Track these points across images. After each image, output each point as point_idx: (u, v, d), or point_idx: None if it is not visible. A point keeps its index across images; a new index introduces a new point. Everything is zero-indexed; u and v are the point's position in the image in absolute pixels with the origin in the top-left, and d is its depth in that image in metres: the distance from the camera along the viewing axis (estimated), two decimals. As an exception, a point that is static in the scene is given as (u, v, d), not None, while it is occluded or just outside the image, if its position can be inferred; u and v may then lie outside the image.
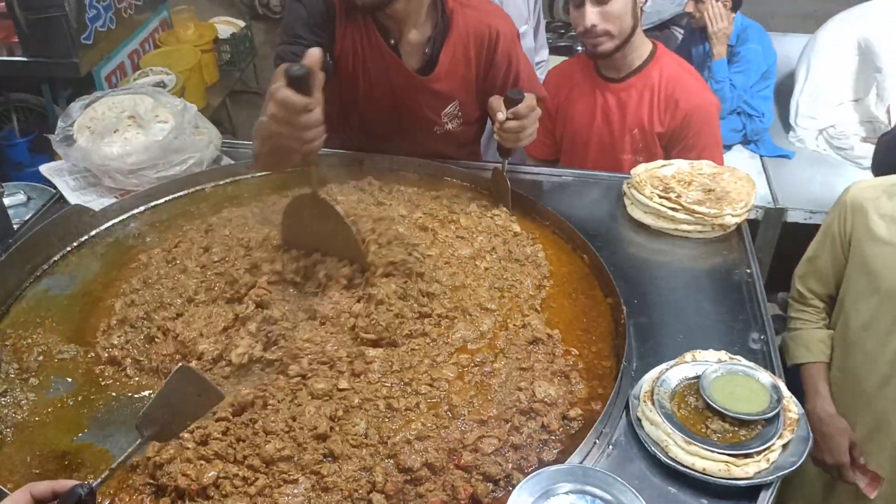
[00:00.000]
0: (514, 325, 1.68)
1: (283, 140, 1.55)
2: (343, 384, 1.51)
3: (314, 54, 1.48)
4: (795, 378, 2.22)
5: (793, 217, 3.83)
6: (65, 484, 1.15)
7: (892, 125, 3.97)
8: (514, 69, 2.25)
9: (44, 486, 1.15)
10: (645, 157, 2.55)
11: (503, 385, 1.53)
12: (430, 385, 1.51)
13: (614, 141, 2.59)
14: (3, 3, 3.93)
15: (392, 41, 2.14)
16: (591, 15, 2.37)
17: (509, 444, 1.42)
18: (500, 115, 1.91)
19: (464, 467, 1.37)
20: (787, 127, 4.37)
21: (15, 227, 2.11)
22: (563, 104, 2.68)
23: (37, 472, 1.38)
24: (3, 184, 2.44)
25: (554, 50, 4.73)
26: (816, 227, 3.75)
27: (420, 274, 1.72)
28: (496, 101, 1.96)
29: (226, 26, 5.58)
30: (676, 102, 2.47)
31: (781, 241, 3.87)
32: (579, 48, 4.86)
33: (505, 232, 1.98)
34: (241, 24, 5.66)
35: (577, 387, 1.56)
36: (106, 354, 1.61)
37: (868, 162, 3.97)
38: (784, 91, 4.46)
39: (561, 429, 1.47)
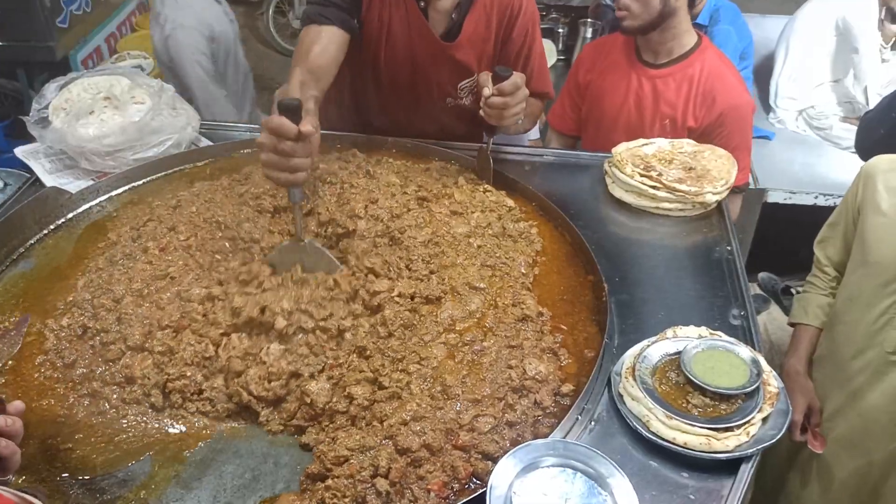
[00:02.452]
0: (504, 303, 1.67)
1: (270, 170, 1.56)
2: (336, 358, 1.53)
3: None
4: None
5: (773, 198, 3.85)
6: None
7: (870, 105, 4.01)
8: (527, 50, 2.26)
9: None
10: (671, 149, 2.55)
11: (494, 364, 1.52)
12: (420, 364, 1.51)
13: (643, 127, 2.54)
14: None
15: (422, 3, 2.13)
16: None
17: (504, 422, 1.42)
18: (486, 91, 1.90)
19: (462, 447, 1.37)
20: (768, 108, 4.39)
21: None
22: (597, 80, 2.65)
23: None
24: None
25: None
26: (796, 207, 3.83)
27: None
28: (484, 77, 1.95)
29: (204, 9, 5.50)
30: (714, 99, 2.44)
31: (762, 222, 3.90)
32: (560, 30, 4.85)
33: (500, 207, 1.97)
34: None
35: (566, 362, 1.56)
36: (51, 336, 1.60)
37: (847, 142, 4.02)
38: (764, 73, 4.48)
39: (554, 404, 1.47)
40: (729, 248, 1.92)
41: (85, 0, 4.55)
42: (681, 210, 2.00)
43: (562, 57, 4.76)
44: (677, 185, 1.97)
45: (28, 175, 2.29)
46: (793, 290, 4.01)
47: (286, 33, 6.50)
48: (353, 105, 2.35)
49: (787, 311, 3.92)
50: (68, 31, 4.35)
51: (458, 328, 1.60)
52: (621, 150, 2.10)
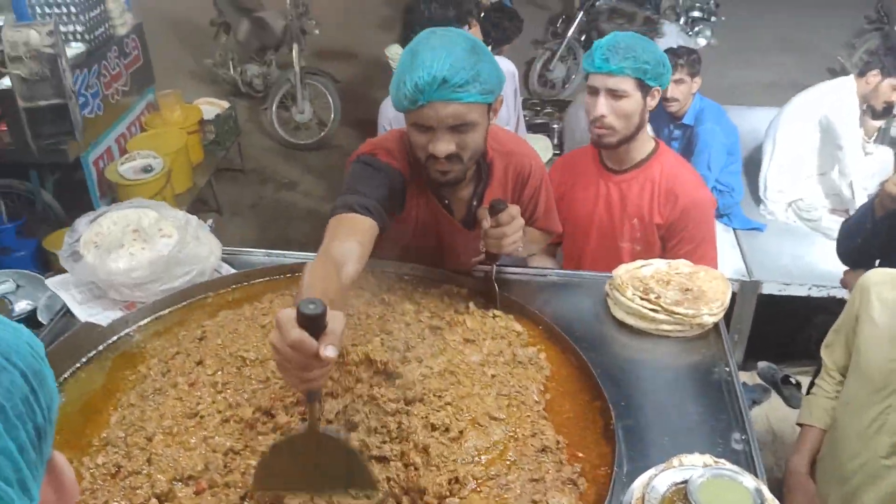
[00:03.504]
0: (523, 434, 1.74)
1: (283, 374, 1.41)
2: None
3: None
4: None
5: (768, 289, 3.98)
6: None
7: (856, 198, 4.16)
8: (536, 199, 2.41)
9: None
10: (643, 245, 2.72)
11: (519, 498, 1.59)
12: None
13: (614, 229, 2.74)
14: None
15: (446, 202, 2.26)
16: (602, 106, 2.52)
17: None
18: (485, 224, 2.03)
19: None
20: (758, 200, 4.55)
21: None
22: (568, 192, 2.83)
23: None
24: None
25: (530, 127, 4.92)
26: (791, 298, 3.94)
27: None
28: (482, 211, 2.08)
29: (210, 107, 5.75)
30: (676, 197, 2.63)
31: (758, 312, 4.01)
32: (555, 125, 5.05)
33: (509, 333, 2.07)
34: (225, 104, 5.82)
35: (584, 489, 1.64)
36: (87, 474, 1.66)
37: (836, 233, 4.16)
38: (753, 164, 4.65)
39: None
40: (727, 368, 2.02)
41: (97, 104, 4.70)
42: (679, 331, 2.11)
43: (556, 152, 4.93)
44: (675, 308, 2.08)
45: (41, 277, 2.42)
46: (791, 380, 4.10)
47: (289, 127, 6.70)
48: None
49: (787, 400, 4.01)
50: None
51: (482, 461, 1.68)
52: (621, 272, 2.22)
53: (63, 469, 0.90)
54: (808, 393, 2.44)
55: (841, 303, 3.86)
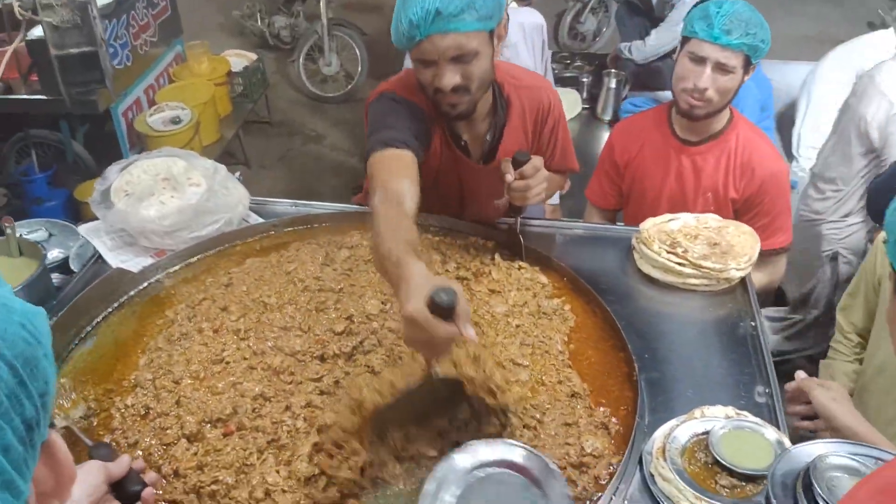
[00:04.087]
0: (550, 380, 1.77)
1: (413, 346, 1.48)
2: None
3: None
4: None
5: (797, 247, 3.91)
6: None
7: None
8: (555, 137, 2.38)
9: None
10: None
11: (553, 439, 1.62)
12: None
13: (686, 202, 2.64)
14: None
15: (463, 142, 2.25)
16: (707, 78, 2.41)
17: None
18: (508, 177, 2.01)
19: None
20: (790, 157, 4.46)
21: (56, 283, 2.23)
22: (635, 160, 2.74)
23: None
24: (27, 221, 2.54)
25: (559, 81, 4.85)
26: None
27: None
28: (505, 164, 2.06)
29: (238, 59, 5.71)
30: (753, 170, 2.54)
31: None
32: (585, 79, 4.97)
33: (534, 284, 2.08)
34: (253, 56, 5.79)
35: (615, 431, 1.67)
36: (117, 415, 1.70)
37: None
38: (786, 121, 4.56)
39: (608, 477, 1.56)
40: (753, 323, 2.02)
41: (126, 55, 4.70)
42: (706, 285, 2.10)
43: (586, 106, 4.86)
44: (702, 262, 2.07)
45: (73, 226, 2.45)
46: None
47: (316, 79, 6.68)
48: None
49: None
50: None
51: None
52: (648, 226, 2.21)
53: (58, 447, 0.85)
54: (824, 357, 2.41)
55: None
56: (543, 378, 1.78)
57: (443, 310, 1.34)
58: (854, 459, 1.23)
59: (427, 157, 2.15)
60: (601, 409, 1.72)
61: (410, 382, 1.47)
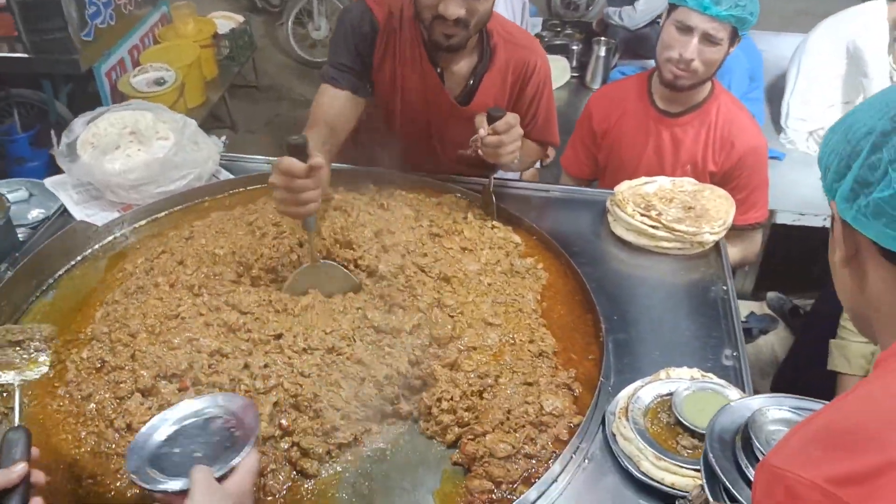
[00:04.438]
0: (521, 339, 1.75)
1: (284, 206, 1.71)
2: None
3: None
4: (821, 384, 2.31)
5: (781, 219, 3.90)
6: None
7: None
8: (536, 103, 2.34)
9: None
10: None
11: (509, 399, 1.60)
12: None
13: (664, 174, 2.50)
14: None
15: (439, 70, 2.22)
16: (694, 49, 2.35)
17: (523, 454, 1.51)
18: (482, 131, 1.98)
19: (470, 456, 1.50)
20: (779, 128, 4.43)
21: (19, 232, 2.19)
22: (613, 129, 2.68)
23: None
24: (7, 180, 2.51)
25: (549, 49, 4.79)
26: (805, 228, 3.88)
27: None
28: (479, 118, 2.03)
29: (225, 21, 5.64)
30: (732, 143, 2.49)
31: (770, 242, 3.95)
32: (574, 46, 4.91)
33: (507, 244, 2.05)
34: (240, 18, 5.72)
35: (579, 393, 1.65)
36: (72, 367, 1.67)
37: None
38: (775, 92, 4.53)
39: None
40: (724, 287, 1.99)
41: (109, 14, 4.63)
42: (679, 249, 2.08)
43: (575, 74, 4.81)
44: (676, 225, 2.04)
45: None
46: (800, 310, 4.07)
47: (305, 44, 6.60)
48: (364, 144, 2.42)
49: (794, 331, 3.98)
50: (93, 43, 4.43)
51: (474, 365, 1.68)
52: (623, 188, 2.18)
53: None
54: (834, 337, 2.35)
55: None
56: (515, 337, 1.76)
57: (297, 150, 1.64)
58: (794, 412, 1.21)
59: (393, 77, 2.22)
60: (567, 370, 1.69)
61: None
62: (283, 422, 1.52)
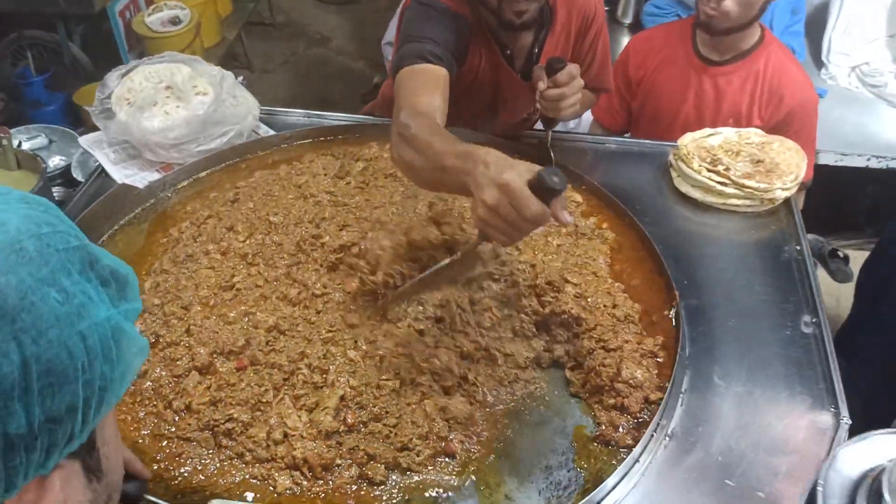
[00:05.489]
0: (602, 303, 1.67)
1: (493, 232, 1.30)
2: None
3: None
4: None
5: (823, 159, 3.78)
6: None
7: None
8: (593, 51, 2.22)
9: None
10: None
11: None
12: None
13: (685, 126, 2.39)
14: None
15: (508, 51, 2.09)
16: None
17: None
18: (541, 84, 1.88)
19: None
20: (819, 64, 4.27)
21: (57, 197, 2.11)
22: (649, 77, 2.53)
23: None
24: (26, 126, 2.42)
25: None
26: (847, 169, 3.76)
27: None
28: (538, 70, 1.93)
29: (238, -46, 5.42)
30: (781, 97, 2.34)
31: (812, 184, 3.84)
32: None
33: (568, 203, 1.95)
34: (254, -49, 5.50)
35: (662, 360, 1.58)
36: None
37: (900, 99, 3.92)
38: (816, 26, 4.34)
39: (642, 411, 1.49)
40: (798, 247, 1.91)
41: (122, -49, 4.47)
42: (748, 206, 1.98)
43: (606, 8, 4.62)
44: (746, 181, 1.94)
45: (74, 132, 2.34)
46: (839, 253, 3.97)
47: (322, -22, 6.38)
48: None
49: (833, 274, 3.90)
50: (105, -19, 4.30)
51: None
52: (687, 141, 2.07)
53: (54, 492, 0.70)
54: None
55: (899, 175, 3.71)
56: (591, 300, 1.67)
57: (546, 192, 1.20)
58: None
59: (464, 66, 2.00)
60: (654, 338, 1.62)
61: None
62: (349, 419, 1.44)
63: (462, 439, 1.44)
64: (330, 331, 1.57)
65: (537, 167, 1.23)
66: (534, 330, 1.63)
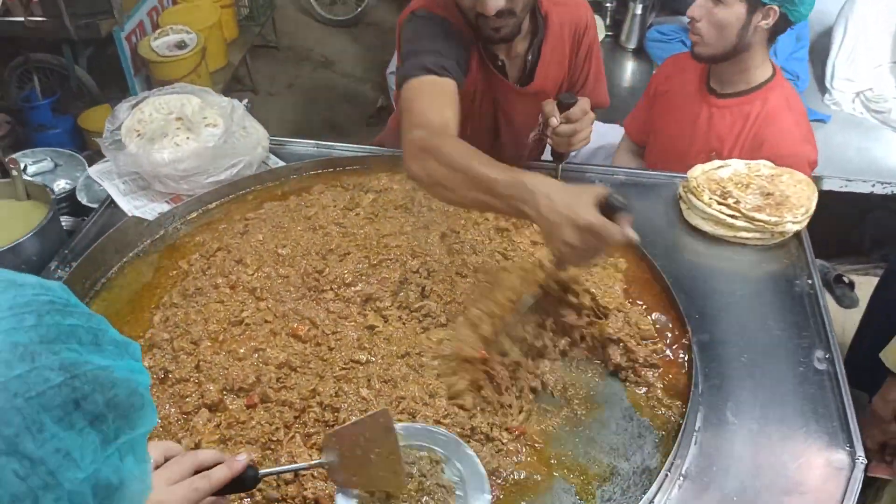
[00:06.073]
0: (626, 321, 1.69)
1: (565, 259, 1.43)
2: None
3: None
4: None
5: (828, 185, 3.78)
6: (233, 459, 1.15)
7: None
8: (588, 66, 2.23)
9: (210, 456, 1.14)
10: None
11: None
12: None
13: (689, 154, 2.42)
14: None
15: (500, 62, 2.10)
16: (697, 6, 2.22)
17: None
18: (554, 121, 1.88)
19: None
20: (824, 89, 4.28)
21: (65, 226, 2.10)
22: (667, 94, 2.55)
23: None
24: (32, 150, 2.42)
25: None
26: (852, 195, 3.76)
27: None
28: (550, 107, 1.93)
29: (244, -20, 5.44)
30: (762, 144, 2.29)
31: (816, 210, 3.84)
32: (609, 4, 4.73)
33: None
34: (260, -23, 5.52)
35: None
36: None
37: (905, 126, 3.93)
38: (820, 51, 4.36)
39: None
40: (810, 281, 1.90)
41: (127, -26, 4.49)
42: (759, 239, 1.97)
43: (609, 33, 4.65)
44: (756, 215, 1.94)
45: (79, 156, 2.35)
46: (844, 279, 3.97)
47: (324, 2, 6.40)
48: None
49: (839, 300, 3.89)
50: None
51: None
52: (697, 173, 2.06)
53: None
54: None
55: (904, 200, 3.70)
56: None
57: (614, 211, 1.31)
58: None
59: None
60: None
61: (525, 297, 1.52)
62: None
63: None
64: (343, 368, 1.56)
65: (597, 189, 1.33)
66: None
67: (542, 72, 2.14)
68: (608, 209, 1.32)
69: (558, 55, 2.16)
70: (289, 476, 1.39)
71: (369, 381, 1.53)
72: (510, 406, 1.52)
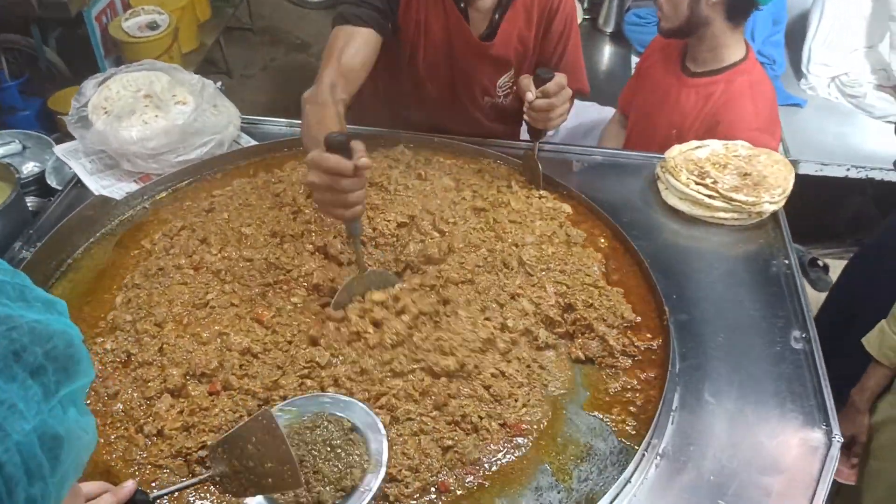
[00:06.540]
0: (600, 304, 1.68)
1: (327, 208, 1.51)
2: None
3: None
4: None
5: (804, 169, 3.79)
6: (122, 487, 1.11)
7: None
8: (563, 45, 2.20)
9: (95, 487, 1.11)
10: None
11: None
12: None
13: (656, 129, 2.46)
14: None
15: (462, 4, 2.07)
16: None
17: None
18: (530, 95, 1.86)
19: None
20: (799, 74, 4.29)
21: (31, 207, 2.05)
22: (647, 70, 2.59)
23: None
24: (0, 132, 2.36)
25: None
26: (828, 179, 3.78)
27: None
28: (525, 80, 1.91)
29: (216, -42, 5.35)
30: (716, 126, 2.28)
31: (791, 194, 3.85)
32: None
33: (558, 214, 1.93)
34: (233, -43, 5.44)
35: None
36: (96, 361, 1.54)
37: (880, 111, 3.95)
38: (796, 36, 4.36)
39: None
40: (787, 261, 1.89)
41: (97, -48, 4.40)
42: (736, 219, 1.96)
43: (587, 16, 4.64)
44: (733, 195, 1.92)
45: (48, 138, 2.30)
46: (819, 262, 3.99)
47: (302, -16, 6.33)
48: (389, 99, 2.30)
49: (813, 283, 3.90)
50: (82, -16, 4.23)
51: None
52: (675, 153, 2.05)
53: None
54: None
55: (880, 185, 3.72)
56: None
57: (339, 148, 1.42)
58: None
59: (415, 22, 2.08)
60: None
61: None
62: None
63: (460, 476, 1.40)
64: (305, 367, 1.52)
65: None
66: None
67: (505, 33, 2.12)
68: (340, 146, 1.42)
69: (522, 25, 2.14)
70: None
71: (336, 380, 1.50)
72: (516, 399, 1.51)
